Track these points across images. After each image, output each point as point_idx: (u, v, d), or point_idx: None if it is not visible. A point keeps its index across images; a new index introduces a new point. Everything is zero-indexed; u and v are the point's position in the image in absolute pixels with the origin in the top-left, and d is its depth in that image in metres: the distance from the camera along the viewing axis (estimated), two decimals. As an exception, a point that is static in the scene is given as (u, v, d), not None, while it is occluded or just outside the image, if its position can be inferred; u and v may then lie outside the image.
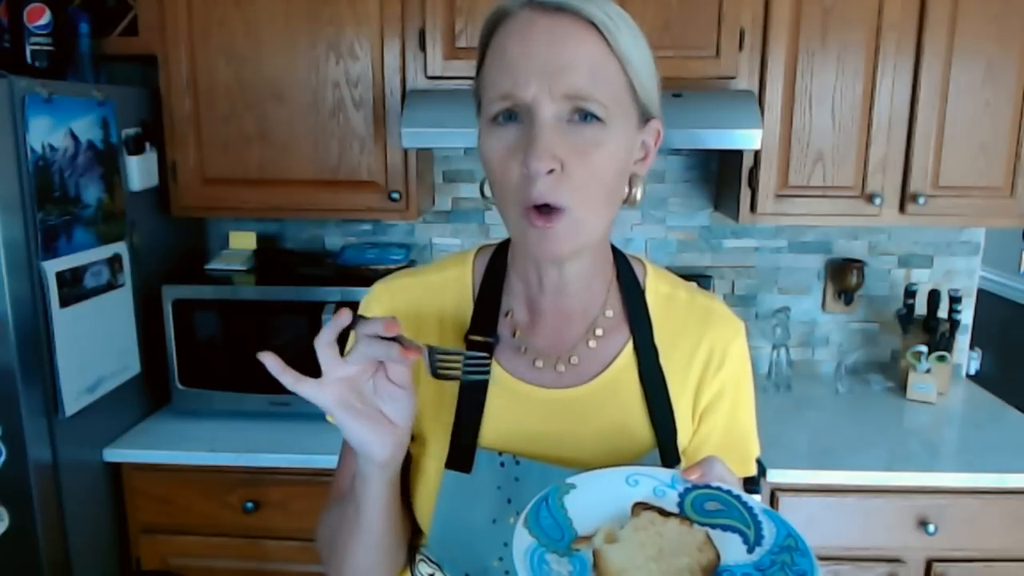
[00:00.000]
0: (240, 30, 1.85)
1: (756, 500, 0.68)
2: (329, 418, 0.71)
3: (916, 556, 1.72)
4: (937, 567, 1.72)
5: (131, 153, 1.80)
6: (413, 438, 0.83)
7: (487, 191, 0.77)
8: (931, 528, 1.68)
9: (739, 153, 1.91)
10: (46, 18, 1.68)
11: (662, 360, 0.83)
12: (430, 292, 0.86)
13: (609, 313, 0.84)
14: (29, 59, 1.67)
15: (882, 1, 1.79)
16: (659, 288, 0.86)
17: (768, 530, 0.65)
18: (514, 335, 0.83)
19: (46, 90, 1.50)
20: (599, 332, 0.83)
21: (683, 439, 0.83)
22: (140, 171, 1.82)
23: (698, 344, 0.84)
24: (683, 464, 0.83)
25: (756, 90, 1.84)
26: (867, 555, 1.72)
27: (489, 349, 0.81)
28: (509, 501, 0.78)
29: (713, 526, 0.66)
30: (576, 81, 0.68)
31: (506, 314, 0.84)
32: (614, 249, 0.86)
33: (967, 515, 1.69)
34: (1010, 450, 1.79)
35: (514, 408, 0.81)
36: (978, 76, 1.82)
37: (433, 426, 0.82)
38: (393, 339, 0.67)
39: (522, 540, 0.64)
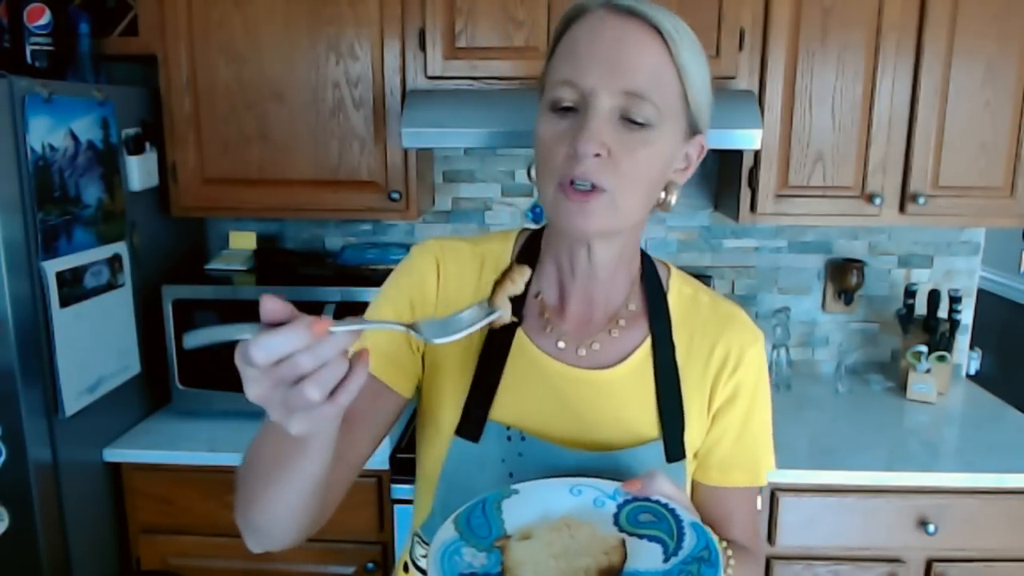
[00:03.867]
0: (240, 30, 1.85)
1: (689, 515, 0.70)
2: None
3: (916, 556, 1.72)
4: (937, 567, 1.72)
5: (131, 153, 1.80)
6: (425, 404, 0.86)
7: (534, 174, 0.80)
8: (931, 528, 1.68)
9: (739, 153, 1.91)
10: (46, 18, 1.68)
11: (680, 358, 0.86)
12: (474, 261, 0.89)
13: (632, 307, 0.87)
14: (29, 59, 1.67)
15: (882, 1, 1.79)
16: (682, 289, 0.90)
17: (688, 542, 0.68)
18: (542, 315, 0.86)
19: (46, 90, 1.50)
20: (621, 323, 0.86)
21: (693, 437, 0.86)
22: (140, 171, 1.82)
23: (715, 345, 0.86)
24: (688, 460, 0.86)
25: (756, 90, 1.84)
26: (867, 555, 1.72)
27: (512, 328, 0.84)
28: (511, 475, 0.81)
29: (640, 536, 0.69)
30: (635, 79, 0.72)
31: (536, 295, 0.87)
32: (642, 251, 0.90)
33: (967, 515, 1.69)
34: (1010, 450, 1.79)
35: (531, 380, 0.84)
36: (978, 76, 1.82)
37: (450, 394, 0.85)
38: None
39: (444, 534, 0.68)
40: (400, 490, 1.71)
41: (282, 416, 0.55)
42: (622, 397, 0.84)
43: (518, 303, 0.84)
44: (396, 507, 1.72)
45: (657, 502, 0.71)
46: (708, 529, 0.69)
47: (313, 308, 1.90)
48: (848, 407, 2.06)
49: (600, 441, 0.83)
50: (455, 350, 0.86)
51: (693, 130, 0.79)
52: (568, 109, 0.74)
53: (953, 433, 1.95)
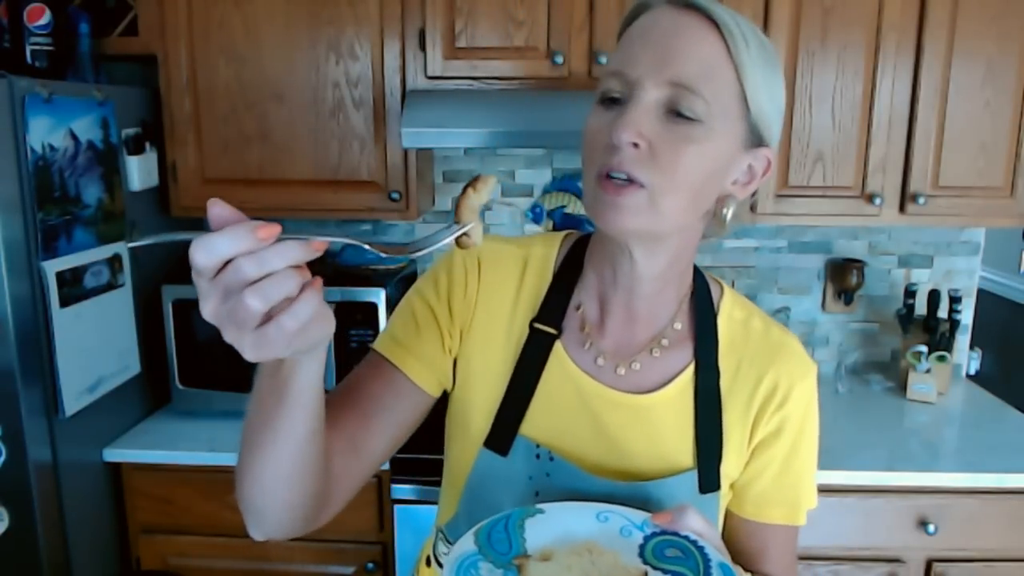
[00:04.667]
0: (240, 30, 1.84)
1: (718, 555, 0.68)
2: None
3: (916, 556, 1.72)
4: (937, 567, 1.72)
5: (131, 153, 1.80)
6: (455, 406, 0.85)
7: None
8: (931, 528, 1.68)
9: (739, 153, 1.91)
10: (46, 18, 1.68)
11: (725, 385, 0.82)
12: (517, 265, 0.85)
13: (678, 326, 0.83)
14: (29, 59, 1.67)
15: (882, 1, 1.78)
16: (733, 313, 0.85)
17: None
18: (582, 329, 0.83)
19: (46, 90, 1.50)
20: (664, 342, 0.82)
21: (731, 468, 0.82)
22: (140, 171, 1.82)
23: (763, 376, 0.82)
24: (723, 491, 0.82)
25: (756, 90, 1.84)
26: (867, 555, 1.72)
27: (550, 341, 0.81)
28: (537, 494, 0.79)
29: (665, 571, 0.68)
30: (684, 69, 0.68)
31: (577, 307, 0.84)
32: (695, 269, 0.85)
33: (967, 515, 1.69)
34: (1010, 450, 1.78)
35: (565, 397, 0.81)
36: (978, 76, 1.82)
37: (481, 401, 0.83)
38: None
39: (463, 546, 0.67)
40: (400, 490, 1.71)
41: (233, 336, 0.52)
42: (659, 425, 0.80)
43: (558, 314, 0.82)
44: (396, 507, 1.72)
45: (686, 538, 0.69)
46: (737, 570, 0.67)
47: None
48: (848, 407, 2.06)
49: (632, 468, 0.80)
50: (491, 357, 0.83)
51: (756, 140, 0.73)
52: (615, 101, 0.71)
53: (953, 433, 1.95)
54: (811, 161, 1.87)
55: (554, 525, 0.71)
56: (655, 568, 0.68)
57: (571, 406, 0.81)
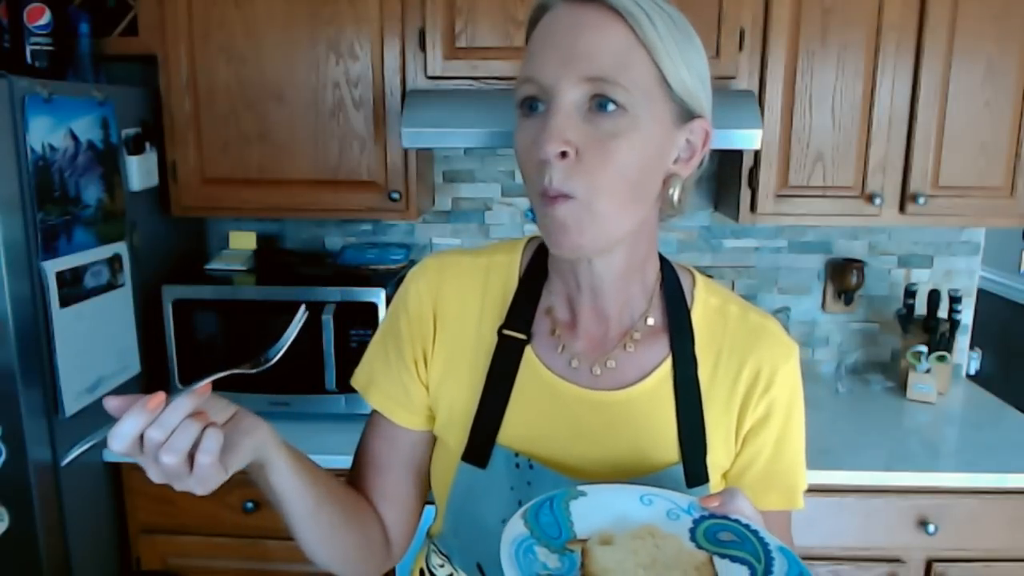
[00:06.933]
0: (240, 30, 1.84)
1: (774, 538, 0.66)
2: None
3: (916, 556, 1.72)
4: (937, 567, 1.72)
5: (131, 153, 1.80)
6: (438, 429, 0.85)
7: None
8: (931, 528, 1.68)
9: (739, 153, 1.91)
10: (46, 18, 1.68)
11: (706, 375, 0.80)
12: (478, 274, 0.84)
13: (650, 321, 0.81)
14: (29, 59, 1.67)
15: (882, 1, 1.79)
16: (708, 300, 0.83)
17: (779, 567, 0.62)
18: (553, 332, 0.81)
19: (46, 90, 1.50)
20: (636, 336, 0.80)
21: (719, 458, 0.80)
22: (140, 171, 1.82)
23: (744, 362, 0.80)
24: (713, 483, 0.81)
25: (756, 90, 1.84)
26: (867, 555, 1.72)
27: (520, 346, 0.80)
28: (520, 503, 0.77)
29: (723, 555, 0.65)
30: (596, 64, 0.66)
31: (547, 311, 0.82)
32: (661, 258, 0.84)
33: (967, 515, 1.69)
34: (1010, 450, 1.78)
35: (541, 403, 0.80)
36: (978, 76, 1.82)
37: (457, 415, 0.82)
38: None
39: (514, 530, 0.64)
40: (400, 490, 1.71)
41: (180, 485, 0.64)
42: (640, 421, 0.79)
43: (527, 319, 0.81)
44: (396, 507, 1.72)
45: (737, 521, 0.66)
46: (797, 556, 0.64)
47: (313, 308, 1.90)
48: (848, 407, 2.06)
49: (616, 468, 0.78)
50: (461, 369, 0.82)
51: (687, 115, 0.71)
52: (535, 108, 0.70)
53: (953, 433, 1.95)
54: (811, 161, 1.87)
55: (600, 507, 0.68)
56: (712, 553, 0.65)
57: (547, 411, 0.79)
